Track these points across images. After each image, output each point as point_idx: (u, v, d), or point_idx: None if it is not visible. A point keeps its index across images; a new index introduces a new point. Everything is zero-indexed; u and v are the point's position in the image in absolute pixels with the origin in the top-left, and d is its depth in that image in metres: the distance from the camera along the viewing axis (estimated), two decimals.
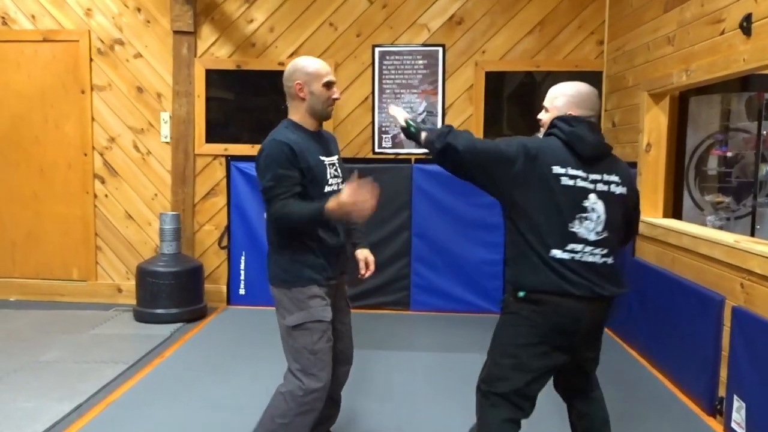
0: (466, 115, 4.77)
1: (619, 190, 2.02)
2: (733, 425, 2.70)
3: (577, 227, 1.94)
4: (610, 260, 1.99)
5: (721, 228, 4.21)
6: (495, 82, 4.77)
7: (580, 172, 1.96)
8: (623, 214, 2.05)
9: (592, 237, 1.94)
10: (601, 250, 1.95)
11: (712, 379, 2.91)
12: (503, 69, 4.74)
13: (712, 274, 3.00)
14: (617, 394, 3.21)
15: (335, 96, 2.29)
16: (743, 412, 2.63)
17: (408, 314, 4.74)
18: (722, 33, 2.93)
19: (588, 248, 1.94)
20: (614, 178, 2.01)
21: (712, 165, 4.39)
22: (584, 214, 1.94)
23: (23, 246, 5.01)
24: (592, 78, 4.66)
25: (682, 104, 4.48)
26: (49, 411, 2.96)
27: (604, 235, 1.96)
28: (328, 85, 2.25)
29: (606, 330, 4.38)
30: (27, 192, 4.95)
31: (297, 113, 2.29)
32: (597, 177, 1.98)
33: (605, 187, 1.98)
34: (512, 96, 4.85)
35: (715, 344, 2.89)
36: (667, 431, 2.82)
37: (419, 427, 2.84)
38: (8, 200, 4.97)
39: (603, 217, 1.96)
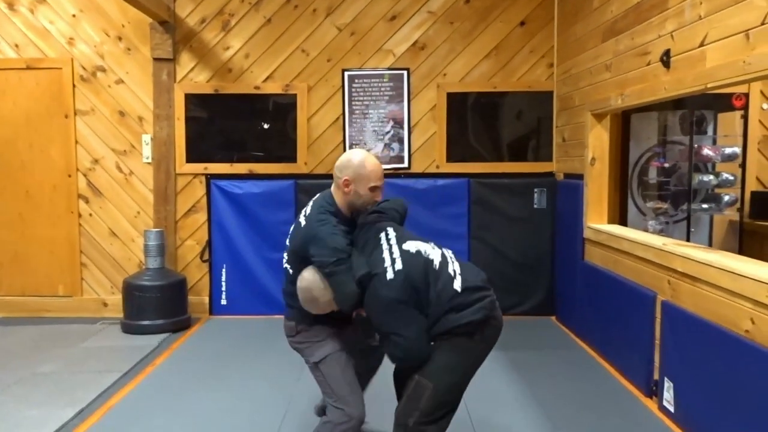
0: (430, 133, 5.17)
1: None
2: (665, 403, 3.12)
3: None
4: None
5: (661, 231, 4.67)
6: (456, 102, 5.17)
7: None
8: None
9: None
10: None
11: (648, 364, 3.33)
12: (463, 90, 5.14)
13: (646, 274, 3.43)
14: (569, 384, 3.63)
15: (377, 199, 2.43)
16: (672, 390, 3.05)
17: None
18: (648, 64, 3.37)
19: None
20: None
21: (653, 175, 4.85)
22: None
23: (9, 266, 5.20)
24: (544, 97, 5.12)
25: (625, 120, 4.95)
26: (54, 418, 3.21)
27: None
28: (374, 189, 2.39)
29: (560, 325, 4.82)
30: (13, 214, 5.16)
31: (337, 198, 2.44)
32: None
33: None
34: (472, 114, 5.25)
35: (650, 334, 3.32)
36: (611, 414, 3.21)
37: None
38: None
39: None
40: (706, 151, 4.58)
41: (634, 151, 4.93)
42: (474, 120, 5.25)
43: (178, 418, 3.21)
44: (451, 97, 5.15)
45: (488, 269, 5.13)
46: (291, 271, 2.47)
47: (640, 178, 4.93)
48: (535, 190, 5.09)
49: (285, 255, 2.54)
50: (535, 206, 5.10)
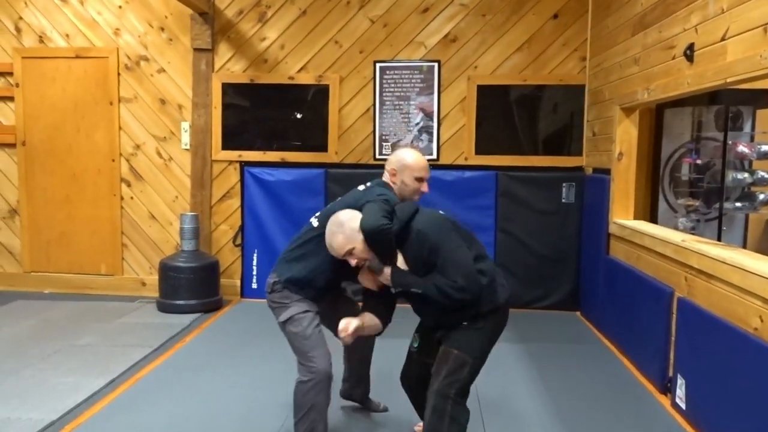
0: (460, 125, 5.20)
1: None
2: (677, 400, 3.11)
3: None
4: None
5: (692, 229, 4.59)
6: (486, 94, 5.18)
7: None
8: None
9: None
10: None
11: (663, 361, 3.32)
12: (494, 83, 5.15)
13: (665, 270, 3.40)
14: (584, 377, 3.64)
15: (424, 189, 2.68)
16: (684, 387, 3.03)
17: (405, 308, 5.13)
18: (674, 58, 3.33)
19: None
20: None
21: (685, 171, 4.76)
22: None
23: (57, 244, 5.51)
24: (576, 91, 5.08)
25: (658, 115, 4.87)
26: (87, 385, 3.42)
27: None
28: (420, 179, 2.66)
29: (584, 320, 4.80)
30: (60, 195, 5.46)
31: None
32: None
33: None
34: (501, 107, 5.25)
35: (666, 330, 3.30)
36: (623, 408, 3.21)
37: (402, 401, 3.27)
38: (44, 203, 5.48)
39: None
40: (742, 148, 4.47)
41: (666, 147, 4.85)
42: (504, 113, 5.25)
43: (199, 392, 3.38)
44: (481, 89, 5.16)
45: (514, 262, 5.23)
46: (316, 224, 2.64)
47: (671, 175, 4.85)
48: (564, 184, 5.07)
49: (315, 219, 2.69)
50: (563, 200, 5.07)
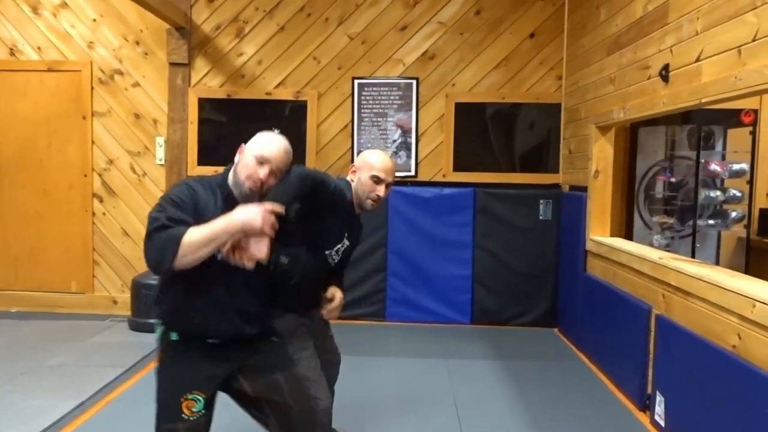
0: (438, 142, 5.22)
1: None
2: (656, 417, 3.12)
3: None
4: None
5: (666, 246, 4.66)
6: (464, 112, 5.21)
7: None
8: None
9: None
10: None
11: (642, 378, 3.33)
12: (471, 100, 5.19)
13: (642, 287, 3.43)
14: (564, 394, 3.64)
15: (379, 192, 2.36)
16: (663, 405, 3.04)
17: (383, 325, 5.12)
18: (649, 78, 3.39)
19: None
20: None
21: (659, 189, 4.84)
22: None
23: (26, 261, 5.36)
24: (553, 109, 5.15)
25: (632, 134, 4.95)
26: (56, 408, 3.30)
27: None
28: (376, 180, 2.36)
29: (562, 337, 4.81)
30: (31, 211, 5.32)
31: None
32: None
33: None
34: (479, 124, 5.28)
35: (644, 348, 3.32)
36: (602, 426, 3.21)
37: (384, 420, 3.23)
38: (13, 218, 5.33)
39: None
40: (714, 167, 4.56)
41: (641, 165, 4.93)
42: (481, 130, 5.28)
43: None
44: (459, 106, 5.19)
45: (492, 279, 5.23)
46: None
47: (646, 192, 4.93)
48: (541, 201, 5.11)
49: None
50: (541, 217, 5.11)
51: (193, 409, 1.94)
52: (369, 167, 2.38)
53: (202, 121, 5.27)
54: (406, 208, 5.15)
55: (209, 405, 1.99)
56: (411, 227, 5.16)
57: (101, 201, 5.31)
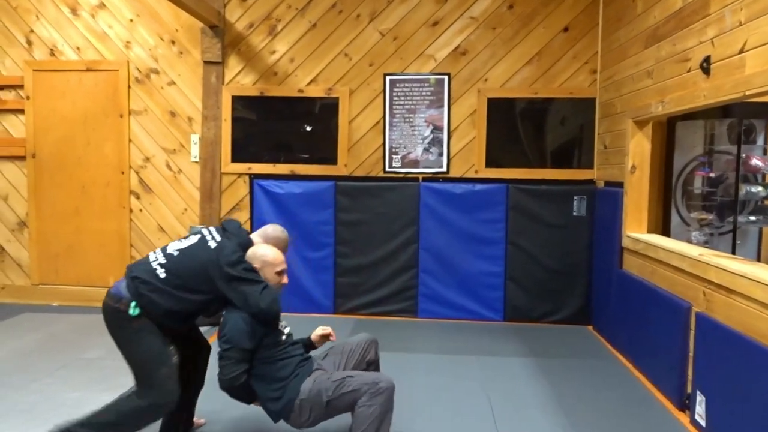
0: (470, 138, 5.18)
1: None
2: (696, 417, 3.05)
3: None
4: None
5: (705, 243, 4.55)
6: (496, 107, 5.17)
7: None
8: None
9: None
10: None
11: (681, 377, 3.26)
12: (504, 95, 5.14)
13: (681, 284, 3.36)
14: (599, 393, 3.59)
15: (284, 281, 2.70)
16: (704, 404, 2.98)
17: (415, 321, 5.12)
18: (689, 71, 3.31)
19: None
20: None
21: (697, 185, 4.73)
22: None
23: (65, 257, 5.49)
24: (587, 104, 5.07)
25: (670, 129, 4.84)
26: (93, 401, 3.33)
27: None
28: (281, 273, 2.68)
29: (596, 335, 4.74)
30: (69, 208, 5.45)
31: None
32: None
33: None
34: (512, 120, 5.24)
35: (683, 346, 3.25)
36: (640, 425, 3.15)
37: (418, 417, 3.22)
38: (52, 215, 5.47)
39: None
40: (755, 162, 4.43)
41: (678, 160, 4.82)
42: (514, 126, 5.24)
43: (208, 403, 3.33)
44: (491, 102, 5.15)
45: (524, 276, 5.20)
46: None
47: (684, 188, 4.82)
48: (575, 197, 5.04)
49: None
50: (574, 213, 5.04)
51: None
52: (270, 265, 2.65)
53: (235, 119, 5.33)
54: (437, 205, 5.13)
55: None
56: (442, 224, 5.14)
57: (138, 197, 5.42)
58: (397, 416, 3.09)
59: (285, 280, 2.71)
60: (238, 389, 2.58)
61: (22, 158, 5.45)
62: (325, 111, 5.31)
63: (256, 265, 2.63)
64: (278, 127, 5.41)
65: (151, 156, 5.39)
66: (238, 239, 2.67)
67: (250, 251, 2.68)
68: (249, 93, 5.31)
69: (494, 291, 5.12)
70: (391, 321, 5.09)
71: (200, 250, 2.60)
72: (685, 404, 3.24)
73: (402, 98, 5.22)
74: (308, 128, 5.40)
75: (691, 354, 3.20)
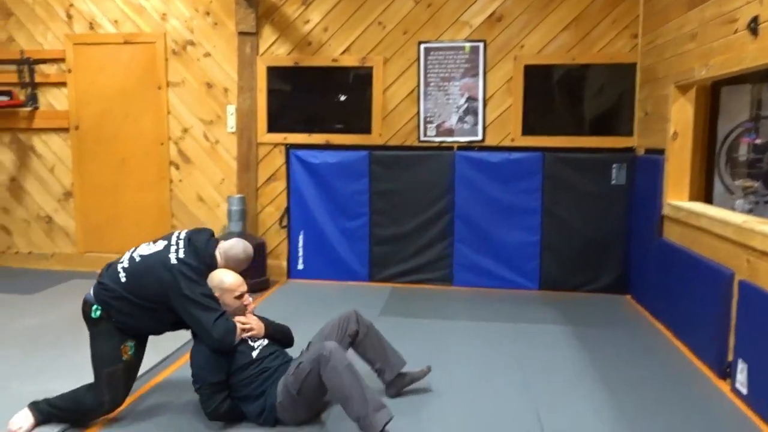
0: (506, 106, 5.12)
1: None
2: (737, 385, 3.03)
3: None
4: None
5: (750, 211, 4.44)
6: (533, 74, 5.08)
7: None
8: None
9: None
10: None
11: (722, 345, 3.23)
12: (540, 62, 5.05)
13: (724, 252, 3.30)
14: (637, 361, 3.58)
15: (246, 302, 2.75)
16: (745, 372, 2.95)
17: (450, 290, 5.15)
18: (735, 32, 3.20)
19: None
20: None
21: (743, 152, 4.60)
22: None
23: (107, 227, 5.66)
24: (626, 70, 4.94)
25: (714, 94, 4.70)
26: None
27: None
28: (240, 296, 2.72)
29: (635, 304, 4.70)
30: (110, 179, 5.60)
31: None
32: None
33: None
34: (549, 87, 5.15)
35: (725, 314, 3.21)
36: (679, 393, 3.14)
37: (452, 381, 3.27)
38: (94, 187, 5.63)
39: None
40: None
41: (722, 126, 4.69)
42: (551, 93, 5.15)
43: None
44: (528, 69, 5.06)
45: (560, 245, 5.18)
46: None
47: (728, 155, 4.69)
48: (613, 165, 4.95)
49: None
50: (613, 182, 4.96)
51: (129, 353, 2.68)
52: (228, 291, 2.68)
53: (270, 89, 5.36)
54: (472, 174, 5.11)
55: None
56: (478, 193, 5.12)
57: (177, 168, 5.53)
58: (432, 381, 3.15)
59: (247, 301, 2.74)
60: (226, 415, 2.64)
61: (66, 130, 5.60)
62: (359, 80, 5.30)
63: (216, 293, 2.65)
64: (313, 98, 5.42)
65: (189, 127, 5.48)
66: (200, 258, 2.64)
67: (209, 278, 2.68)
68: (283, 63, 5.33)
69: (530, 260, 5.10)
70: (426, 289, 5.13)
71: (159, 264, 2.59)
72: (726, 373, 3.21)
73: (437, 66, 5.17)
74: (342, 98, 5.40)
75: (732, 322, 3.16)
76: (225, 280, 2.70)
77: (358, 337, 2.94)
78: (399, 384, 2.98)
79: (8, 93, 5.51)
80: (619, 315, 4.49)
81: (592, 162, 4.98)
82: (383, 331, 3.09)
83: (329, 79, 5.34)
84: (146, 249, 2.72)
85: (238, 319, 2.73)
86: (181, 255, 2.61)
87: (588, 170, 4.98)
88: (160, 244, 2.70)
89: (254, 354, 2.71)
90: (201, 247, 2.67)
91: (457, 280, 5.20)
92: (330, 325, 2.96)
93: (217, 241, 2.78)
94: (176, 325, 2.77)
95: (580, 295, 4.98)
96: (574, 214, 5.02)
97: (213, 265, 2.71)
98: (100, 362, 2.64)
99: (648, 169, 4.57)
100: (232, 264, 2.77)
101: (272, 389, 2.66)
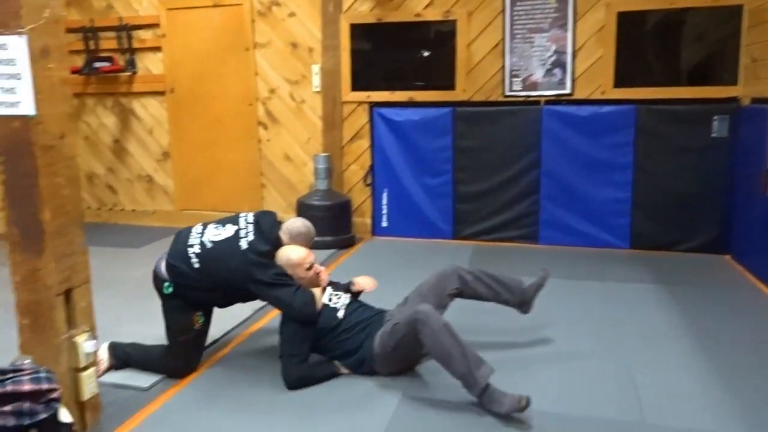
0: (596, 57, 4.89)
1: None
2: None
3: None
4: None
5: None
6: (626, 22, 4.80)
7: None
8: None
9: None
10: None
11: None
12: (635, 8, 4.76)
13: None
14: (736, 322, 3.43)
15: (317, 270, 2.82)
16: None
17: (535, 248, 5.08)
18: None
19: None
20: None
21: None
22: None
23: (204, 184, 5.96)
24: (731, 12, 4.58)
25: None
26: (244, 307, 3.61)
27: None
28: (309, 268, 2.79)
29: (736, 264, 4.47)
30: (205, 139, 5.86)
31: None
32: None
33: None
34: (644, 35, 4.86)
35: None
36: None
37: (541, 340, 3.26)
38: (191, 146, 5.92)
39: None
40: None
41: None
42: (646, 42, 4.86)
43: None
44: (621, 16, 4.79)
45: (653, 202, 4.98)
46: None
47: None
48: (714, 117, 4.65)
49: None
50: (713, 135, 4.67)
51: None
52: (298, 266, 2.76)
53: (354, 47, 5.38)
54: (560, 129, 4.96)
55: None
56: (565, 148, 4.97)
57: (266, 128, 5.70)
58: (522, 340, 3.16)
59: (318, 269, 2.83)
60: (306, 382, 2.71)
61: (162, 93, 5.89)
62: (442, 35, 5.22)
63: (287, 270, 2.74)
64: (396, 54, 5.40)
65: (275, 87, 5.61)
66: (268, 240, 2.75)
67: (277, 258, 2.78)
68: (366, 20, 5.32)
69: (620, 218, 4.94)
70: (511, 247, 5.09)
71: (231, 253, 2.67)
72: None
73: (523, 18, 5.00)
74: (426, 54, 5.34)
75: None
76: (291, 256, 2.79)
77: (464, 291, 2.98)
78: (527, 299, 3.05)
79: (109, 59, 5.85)
80: (717, 275, 4.29)
81: (691, 114, 4.69)
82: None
83: (412, 35, 5.28)
84: (215, 233, 2.78)
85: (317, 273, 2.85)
86: (251, 238, 2.72)
87: (686, 123, 4.71)
88: (230, 229, 2.78)
89: (339, 314, 2.82)
90: (267, 230, 2.79)
91: (543, 237, 5.12)
92: (427, 285, 2.99)
93: (280, 223, 2.90)
94: (245, 299, 2.91)
95: (674, 254, 4.79)
96: (669, 169, 4.79)
97: (279, 246, 2.82)
98: (173, 332, 2.81)
99: (754, 120, 4.26)
100: (297, 240, 2.86)
101: (368, 341, 2.76)
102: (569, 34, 4.92)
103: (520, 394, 2.39)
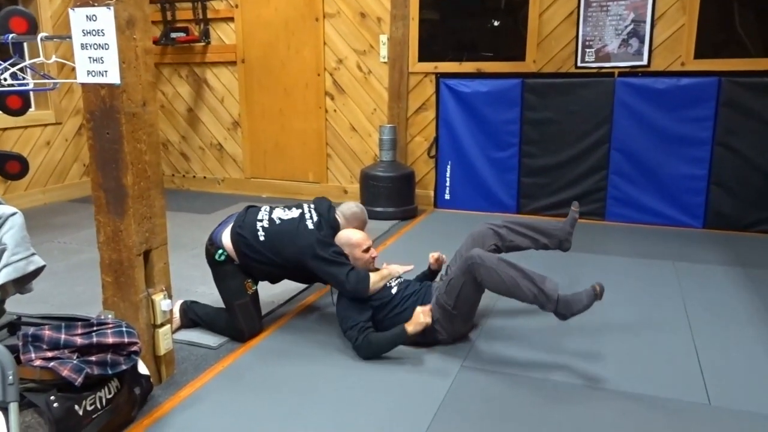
0: (677, 26, 4.65)
1: None
2: None
3: None
4: None
5: None
6: None
7: None
8: None
9: None
10: None
11: None
12: None
13: None
14: None
15: (374, 255, 2.93)
16: None
17: (603, 224, 4.96)
18: None
19: None
20: None
21: None
22: None
23: (272, 153, 6.11)
24: None
25: None
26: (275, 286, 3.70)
27: None
28: (367, 250, 2.89)
29: None
30: (274, 109, 5.98)
31: None
32: None
33: None
34: (732, 2, 4.57)
35: None
36: None
37: (609, 317, 3.20)
38: (261, 115, 6.05)
39: None
40: None
41: None
42: (733, 9, 4.57)
43: None
44: None
45: (734, 180, 4.76)
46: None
47: None
48: None
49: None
50: None
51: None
52: (357, 246, 2.88)
53: (422, 17, 5.33)
54: (634, 102, 4.77)
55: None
56: (639, 122, 4.79)
57: (332, 98, 5.76)
58: (588, 317, 3.11)
59: (374, 253, 2.94)
60: (377, 349, 2.73)
61: (234, 63, 6.03)
62: (513, 4, 5.09)
63: (345, 250, 2.86)
64: (465, 24, 5.31)
65: (343, 58, 5.64)
66: (328, 223, 2.91)
67: (337, 239, 2.91)
68: None
69: (695, 196, 4.74)
70: (578, 223, 4.96)
71: (299, 231, 2.83)
72: None
73: None
74: (496, 23, 5.23)
75: None
76: (352, 237, 2.92)
77: (502, 245, 3.07)
78: (566, 236, 3.16)
79: (185, 29, 6.03)
80: None
81: None
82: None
83: (482, 4, 5.18)
84: (283, 213, 2.97)
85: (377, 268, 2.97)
86: (315, 219, 2.92)
87: None
88: (296, 212, 2.97)
89: (393, 290, 2.91)
90: (325, 213, 2.96)
91: (610, 214, 4.99)
92: (465, 247, 3.04)
93: (334, 208, 3.05)
94: (295, 278, 3.08)
95: (754, 235, 4.56)
96: (754, 146, 4.54)
97: (337, 227, 2.98)
98: (229, 297, 2.94)
99: None
100: (353, 222, 3.02)
101: None
102: (650, 1, 4.69)
103: (591, 286, 2.49)
